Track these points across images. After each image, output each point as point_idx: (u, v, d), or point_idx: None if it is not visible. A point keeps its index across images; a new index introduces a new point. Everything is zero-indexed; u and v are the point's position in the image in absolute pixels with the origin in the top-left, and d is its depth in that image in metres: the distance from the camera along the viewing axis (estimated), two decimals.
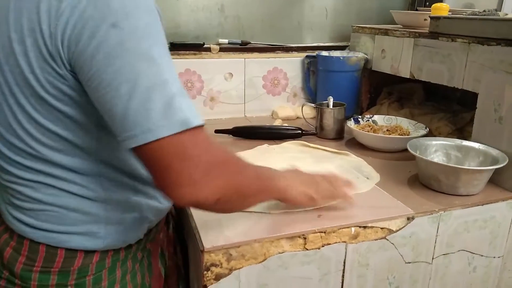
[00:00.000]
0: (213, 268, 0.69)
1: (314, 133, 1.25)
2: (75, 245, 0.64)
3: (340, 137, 1.24)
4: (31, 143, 0.59)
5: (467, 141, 0.99)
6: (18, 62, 0.55)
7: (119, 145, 0.58)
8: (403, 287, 0.85)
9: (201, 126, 0.55)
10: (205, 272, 0.68)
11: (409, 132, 1.17)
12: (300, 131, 1.23)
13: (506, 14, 1.23)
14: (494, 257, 0.94)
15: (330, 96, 1.25)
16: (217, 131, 1.23)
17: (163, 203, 0.73)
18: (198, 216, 0.77)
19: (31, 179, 0.62)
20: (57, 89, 0.56)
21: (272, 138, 1.21)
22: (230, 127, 1.24)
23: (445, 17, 1.06)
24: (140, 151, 0.53)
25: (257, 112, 1.49)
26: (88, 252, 0.65)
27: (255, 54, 1.45)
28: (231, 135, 1.24)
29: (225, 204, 0.61)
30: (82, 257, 0.65)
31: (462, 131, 1.17)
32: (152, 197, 0.71)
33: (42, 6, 0.52)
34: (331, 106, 1.24)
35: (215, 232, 0.72)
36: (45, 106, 0.57)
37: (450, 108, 1.32)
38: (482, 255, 0.92)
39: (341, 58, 1.37)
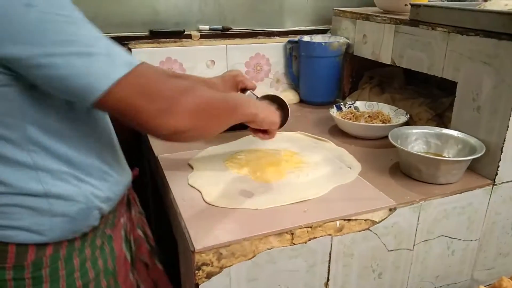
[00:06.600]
0: (204, 267, 0.70)
1: None
2: (24, 240, 0.65)
3: None
4: None
5: (446, 129, 1.01)
6: None
7: (51, 129, 0.61)
8: (386, 273, 0.89)
9: (144, 64, 0.58)
10: (197, 271, 0.70)
11: (390, 119, 1.20)
12: None
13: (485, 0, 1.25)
14: (471, 240, 0.98)
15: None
16: None
17: (111, 191, 0.74)
18: (186, 214, 0.78)
19: None
20: None
21: (239, 128, 1.07)
22: None
23: (425, 5, 1.07)
24: (104, 104, 0.56)
25: None
26: (40, 245, 0.66)
27: (237, 40, 1.43)
28: None
29: (202, 128, 0.66)
30: (34, 251, 0.66)
31: (442, 117, 1.19)
32: (97, 188, 0.70)
33: None
34: None
35: (204, 231, 0.74)
36: None
37: (430, 92, 1.35)
38: (460, 239, 0.96)
39: (323, 43, 1.37)
